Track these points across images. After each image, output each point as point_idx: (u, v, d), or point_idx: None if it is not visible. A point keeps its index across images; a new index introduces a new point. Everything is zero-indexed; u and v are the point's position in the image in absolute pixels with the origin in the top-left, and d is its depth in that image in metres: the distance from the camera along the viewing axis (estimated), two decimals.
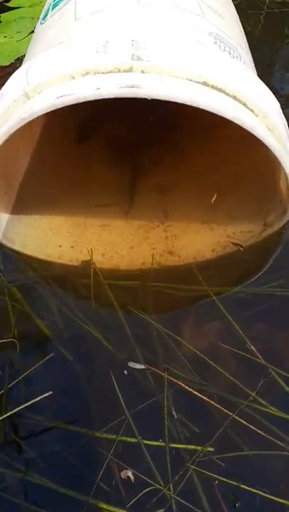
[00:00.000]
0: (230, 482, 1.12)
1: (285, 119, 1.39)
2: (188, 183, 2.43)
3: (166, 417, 1.46)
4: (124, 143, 2.64)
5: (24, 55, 2.43)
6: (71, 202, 2.33)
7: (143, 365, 1.61)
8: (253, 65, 1.87)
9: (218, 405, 1.48)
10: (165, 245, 2.22)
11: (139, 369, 1.61)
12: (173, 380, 1.57)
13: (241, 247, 2.08)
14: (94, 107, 2.62)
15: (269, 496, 1.10)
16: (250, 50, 2.01)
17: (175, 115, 2.33)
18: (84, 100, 1.14)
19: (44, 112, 1.22)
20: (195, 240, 2.22)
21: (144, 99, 1.18)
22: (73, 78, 1.17)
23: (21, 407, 1.25)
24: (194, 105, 1.17)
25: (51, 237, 2.23)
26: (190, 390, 1.54)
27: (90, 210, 2.35)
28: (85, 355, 1.69)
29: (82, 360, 1.67)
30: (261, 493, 1.11)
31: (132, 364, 1.61)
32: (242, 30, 2.12)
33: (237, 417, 1.43)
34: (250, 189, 2.20)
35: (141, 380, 1.59)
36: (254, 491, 1.11)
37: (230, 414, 1.44)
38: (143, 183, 2.46)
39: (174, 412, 1.48)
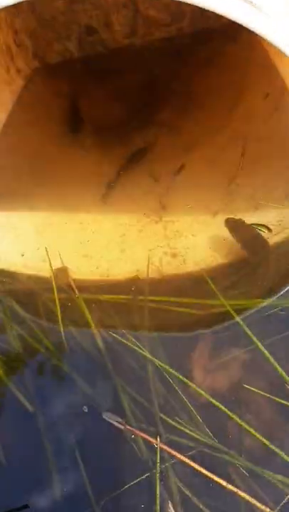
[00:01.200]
0: None
1: None
2: (195, 164, 1.89)
3: None
4: (115, 123, 2.13)
5: None
6: (43, 195, 1.81)
7: (120, 422, 1.05)
8: None
9: (245, 495, 0.91)
10: (165, 246, 1.68)
11: (116, 426, 1.06)
12: (170, 451, 1.01)
13: (268, 229, 1.52)
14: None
15: None
16: None
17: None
18: None
19: None
20: (204, 237, 1.68)
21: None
22: None
23: None
24: None
25: (14, 240, 1.71)
26: (197, 467, 0.97)
27: (66, 203, 1.83)
28: (46, 404, 1.16)
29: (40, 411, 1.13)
30: None
31: (107, 416, 1.07)
32: None
33: None
34: (277, 167, 1.65)
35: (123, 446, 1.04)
36: None
37: None
38: (132, 170, 1.93)
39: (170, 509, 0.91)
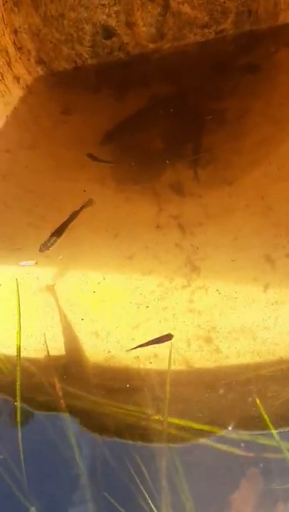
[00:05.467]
0: None
1: None
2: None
3: None
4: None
5: None
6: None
7: None
8: None
9: None
10: (195, 323, 1.18)
11: None
12: None
13: None
14: None
15: None
16: None
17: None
18: None
19: None
20: (252, 316, 1.18)
21: None
22: None
23: None
24: None
25: None
26: None
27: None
28: None
29: None
30: None
31: None
32: None
33: None
34: None
35: None
36: None
37: None
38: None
39: None
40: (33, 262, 1.48)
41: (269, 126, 1.72)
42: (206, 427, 0.97)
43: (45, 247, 1.41)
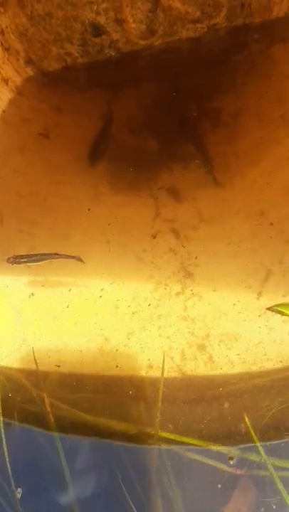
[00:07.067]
0: None
1: None
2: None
3: None
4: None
5: None
6: None
7: None
8: None
9: None
10: (188, 333, 1.15)
11: None
12: None
13: None
14: None
15: None
16: None
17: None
18: None
19: None
20: (247, 324, 1.14)
21: None
22: None
23: None
24: None
25: None
26: None
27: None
28: None
29: None
30: None
31: None
32: None
33: None
34: None
35: None
36: None
37: None
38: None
39: None
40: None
41: (264, 125, 1.67)
42: (197, 442, 0.95)
43: (13, 261, 1.35)
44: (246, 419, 0.93)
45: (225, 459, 0.92)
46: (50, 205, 1.67)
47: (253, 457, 0.90)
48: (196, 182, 1.70)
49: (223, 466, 0.90)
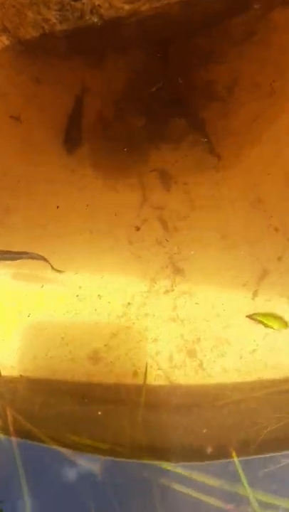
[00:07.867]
0: None
1: None
2: None
3: None
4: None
5: None
6: None
7: None
8: None
9: None
10: (177, 336, 1.05)
11: None
12: None
13: None
14: None
15: None
16: None
17: None
18: None
19: None
20: (241, 328, 1.04)
21: None
22: None
23: None
24: None
25: None
26: None
27: None
28: None
29: None
30: None
31: None
32: None
33: None
34: None
35: None
36: None
37: None
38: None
39: None
40: None
41: (263, 98, 1.53)
42: (180, 471, 0.86)
43: None
44: (234, 453, 0.84)
45: (214, 491, 0.83)
46: (28, 187, 1.54)
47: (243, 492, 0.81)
48: (189, 164, 1.57)
49: (213, 500, 0.82)
